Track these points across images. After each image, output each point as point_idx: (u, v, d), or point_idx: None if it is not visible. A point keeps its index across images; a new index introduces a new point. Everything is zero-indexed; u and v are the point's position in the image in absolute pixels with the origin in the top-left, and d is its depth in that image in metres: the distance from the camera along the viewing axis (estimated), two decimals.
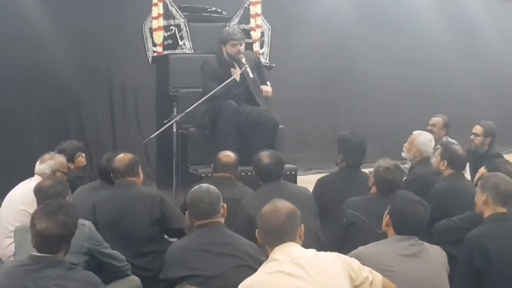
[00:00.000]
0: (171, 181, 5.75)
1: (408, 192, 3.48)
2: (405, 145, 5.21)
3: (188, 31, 6.75)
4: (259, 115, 5.78)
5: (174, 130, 5.64)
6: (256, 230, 2.89)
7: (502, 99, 10.31)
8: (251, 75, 5.75)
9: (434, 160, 4.77)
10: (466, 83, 10.08)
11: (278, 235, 2.79)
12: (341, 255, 2.88)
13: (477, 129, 6.04)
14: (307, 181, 5.92)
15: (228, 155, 4.56)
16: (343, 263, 2.80)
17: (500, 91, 10.35)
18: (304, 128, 8.91)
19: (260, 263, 3.10)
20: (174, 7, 6.72)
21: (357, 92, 9.43)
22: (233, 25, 6.75)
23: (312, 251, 2.80)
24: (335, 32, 8.94)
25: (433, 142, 5.19)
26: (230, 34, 5.87)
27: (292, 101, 8.53)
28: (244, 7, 6.90)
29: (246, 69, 5.74)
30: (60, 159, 4.58)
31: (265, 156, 4.33)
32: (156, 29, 6.59)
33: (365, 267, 2.88)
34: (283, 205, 2.87)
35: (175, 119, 5.50)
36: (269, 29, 6.98)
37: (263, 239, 2.86)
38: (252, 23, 6.83)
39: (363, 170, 4.92)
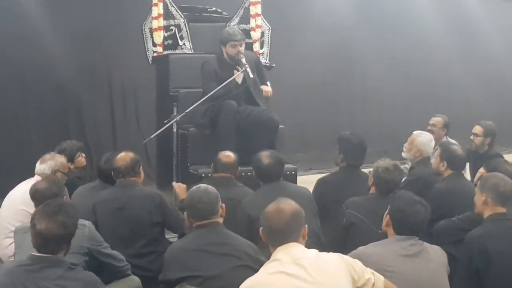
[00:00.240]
0: (171, 181, 5.72)
1: (408, 192, 3.47)
2: (405, 145, 5.21)
3: (188, 31, 6.75)
4: (259, 115, 5.77)
5: (174, 130, 5.64)
6: (260, 229, 2.87)
7: (502, 99, 10.31)
8: (251, 75, 5.75)
9: (433, 161, 4.77)
10: (466, 83, 10.08)
11: (281, 235, 2.78)
12: (344, 256, 2.88)
13: (477, 129, 6.04)
14: (307, 181, 5.92)
15: (228, 155, 4.56)
16: (346, 264, 2.79)
17: (500, 91, 10.35)
18: (304, 128, 8.91)
19: (259, 263, 3.10)
20: (174, 7, 6.72)
21: (357, 92, 9.43)
22: (233, 25, 6.75)
23: (314, 252, 2.79)
24: (335, 32, 8.94)
25: (433, 142, 5.19)
26: (231, 34, 5.86)
27: (292, 101, 8.53)
28: (244, 7, 6.90)
29: (246, 69, 5.74)
30: (61, 159, 4.58)
31: (265, 156, 4.32)
32: (156, 29, 6.59)
33: (368, 268, 2.87)
34: (288, 205, 2.85)
35: (175, 119, 5.50)
36: (269, 29, 6.98)
37: (266, 238, 2.85)
38: (252, 23, 6.83)
39: (363, 170, 4.91)
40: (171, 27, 6.71)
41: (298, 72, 8.65)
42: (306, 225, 2.88)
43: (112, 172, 4.32)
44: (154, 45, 6.64)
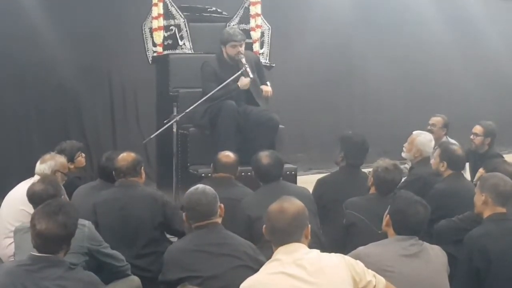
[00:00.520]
0: (171, 181, 5.74)
1: (408, 192, 3.47)
2: (405, 145, 5.21)
3: (188, 31, 6.75)
4: (259, 115, 5.78)
5: (174, 130, 5.64)
6: (263, 226, 2.87)
7: (502, 99, 10.30)
8: (251, 75, 5.75)
9: (433, 161, 4.76)
10: (466, 83, 10.07)
11: (283, 235, 2.78)
12: (345, 256, 2.87)
13: (477, 129, 6.04)
14: (307, 181, 5.91)
15: (227, 156, 4.56)
16: (347, 265, 2.79)
17: (500, 91, 10.34)
18: (304, 128, 8.90)
19: (259, 263, 3.10)
20: (174, 7, 6.72)
21: (357, 92, 9.42)
22: (233, 25, 6.75)
23: (316, 253, 2.79)
24: (335, 32, 8.94)
25: (433, 142, 5.19)
26: (231, 35, 5.86)
27: (292, 101, 8.52)
28: (244, 7, 6.90)
29: (246, 69, 5.74)
30: (61, 159, 4.58)
31: (264, 156, 4.32)
32: (156, 29, 6.59)
33: (369, 270, 2.87)
34: (291, 205, 2.83)
35: (175, 119, 5.50)
36: (269, 29, 6.99)
37: (269, 237, 2.84)
38: (252, 23, 6.84)
39: (363, 170, 4.91)
40: (171, 27, 6.71)
41: (298, 72, 8.64)
42: (309, 225, 2.87)
43: (114, 172, 4.31)
44: (154, 45, 6.64)
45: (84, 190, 4.61)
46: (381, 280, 2.88)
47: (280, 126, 5.91)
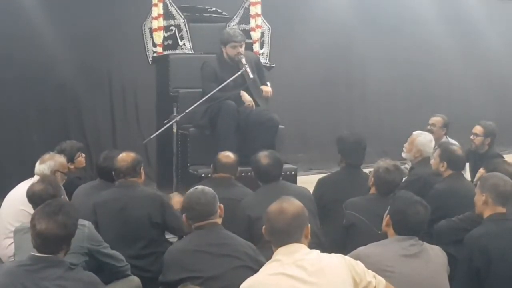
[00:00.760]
0: (171, 181, 5.75)
1: (408, 193, 3.47)
2: (405, 145, 5.20)
3: (188, 31, 6.75)
4: (259, 115, 5.77)
5: (174, 130, 5.64)
6: (263, 227, 2.86)
7: (502, 99, 10.31)
8: (251, 76, 5.75)
9: (433, 162, 4.76)
10: (466, 84, 10.08)
11: (283, 236, 2.77)
12: (346, 257, 2.87)
13: (477, 129, 6.04)
14: (307, 181, 5.91)
15: (227, 156, 4.56)
16: (347, 265, 2.78)
17: (500, 91, 10.35)
18: (304, 128, 8.91)
19: (259, 263, 3.10)
20: (174, 7, 6.72)
21: (357, 92, 9.43)
22: (233, 25, 6.75)
23: (316, 253, 2.78)
24: (335, 32, 8.94)
25: (433, 143, 5.19)
26: (231, 35, 5.86)
27: (292, 101, 8.53)
28: (244, 7, 6.90)
29: (246, 69, 5.74)
30: (60, 159, 4.58)
31: (264, 156, 4.32)
32: (156, 30, 6.59)
33: (370, 271, 2.86)
34: (291, 205, 2.82)
35: (175, 120, 5.50)
36: (269, 29, 6.99)
37: (269, 237, 2.84)
38: (252, 23, 6.84)
39: (363, 170, 4.91)
40: (171, 27, 6.71)
41: (298, 72, 8.65)
42: (309, 225, 2.86)
43: (113, 172, 4.31)
44: (154, 45, 6.64)
45: (84, 190, 4.61)
46: (381, 280, 2.88)
47: (280, 126, 5.91)
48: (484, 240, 3.42)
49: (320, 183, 4.85)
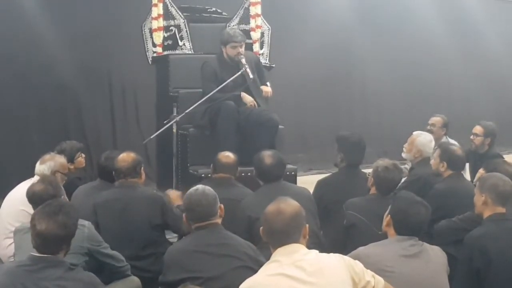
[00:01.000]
0: (171, 181, 5.75)
1: (409, 193, 3.47)
2: (405, 145, 5.20)
3: (188, 31, 6.76)
4: (259, 116, 5.77)
5: (174, 130, 5.64)
6: (260, 228, 2.86)
7: (502, 99, 10.31)
8: (251, 76, 5.75)
9: (433, 162, 4.76)
10: (466, 84, 10.08)
11: (281, 237, 2.77)
12: (345, 257, 2.86)
13: (477, 129, 6.04)
14: (307, 181, 5.91)
15: (227, 156, 4.56)
16: (346, 265, 2.78)
17: (500, 91, 10.35)
18: (304, 129, 8.91)
19: (259, 263, 3.09)
20: (174, 7, 6.73)
21: (357, 92, 9.43)
22: (233, 25, 6.76)
23: (315, 253, 2.78)
24: (335, 33, 8.94)
25: (433, 143, 5.19)
26: (231, 36, 5.86)
27: (292, 102, 8.53)
28: (244, 7, 6.91)
29: (246, 69, 5.74)
30: (61, 160, 4.57)
31: (267, 156, 4.32)
32: (156, 30, 6.60)
33: (368, 271, 2.86)
34: (288, 205, 2.82)
35: (175, 120, 5.50)
36: (269, 29, 6.99)
37: (267, 239, 2.84)
38: (252, 23, 6.85)
39: (363, 170, 4.91)
40: (171, 28, 6.72)
41: (298, 73, 8.64)
42: (307, 225, 2.86)
43: (114, 173, 4.31)
44: (154, 45, 6.65)
45: (84, 191, 4.61)
46: (380, 280, 2.88)
47: (280, 126, 5.91)
48: (484, 240, 3.42)
49: (319, 184, 4.84)
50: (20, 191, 4.35)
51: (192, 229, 3.42)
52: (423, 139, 5.10)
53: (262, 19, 6.91)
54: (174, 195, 4.57)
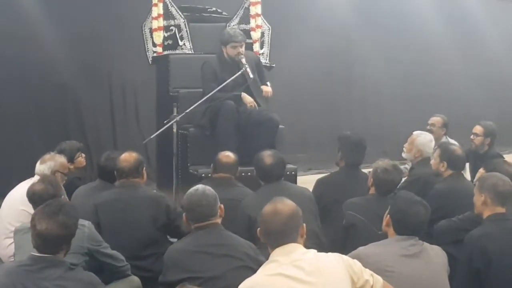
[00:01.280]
0: (171, 181, 5.74)
1: (409, 193, 3.47)
2: (405, 145, 5.21)
3: (188, 31, 6.76)
4: (259, 115, 5.77)
5: (174, 130, 5.63)
6: (258, 229, 2.87)
7: (502, 99, 10.32)
8: (251, 76, 5.75)
9: (433, 162, 4.76)
10: (466, 84, 10.08)
11: (279, 237, 2.77)
12: (343, 256, 2.86)
13: (477, 129, 6.04)
14: (307, 181, 5.90)
15: (228, 156, 4.55)
16: (345, 264, 2.78)
17: (500, 91, 10.35)
18: (304, 128, 8.91)
19: (259, 263, 3.09)
20: (174, 7, 6.73)
21: (357, 92, 9.43)
22: (233, 25, 6.76)
23: (313, 253, 2.78)
24: (335, 32, 8.95)
25: (433, 143, 5.19)
26: (231, 36, 5.86)
27: (292, 102, 8.53)
28: (244, 7, 6.91)
29: (246, 69, 5.74)
30: (61, 159, 4.57)
31: (268, 156, 4.31)
32: (156, 30, 6.60)
33: (367, 270, 2.86)
34: (285, 206, 2.83)
35: (175, 120, 5.50)
36: (269, 29, 6.99)
37: (264, 239, 2.84)
38: (252, 23, 6.84)
39: (363, 170, 4.91)
40: (171, 27, 6.72)
41: (298, 72, 8.65)
42: (304, 224, 2.86)
43: (115, 173, 4.30)
44: (154, 45, 6.65)
45: (84, 191, 4.60)
46: (379, 279, 2.88)
47: (280, 126, 5.91)
48: (484, 240, 3.42)
49: (319, 183, 4.85)
50: (20, 191, 4.35)
51: (192, 229, 3.41)
52: (423, 139, 5.10)
53: (262, 19, 6.91)
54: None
